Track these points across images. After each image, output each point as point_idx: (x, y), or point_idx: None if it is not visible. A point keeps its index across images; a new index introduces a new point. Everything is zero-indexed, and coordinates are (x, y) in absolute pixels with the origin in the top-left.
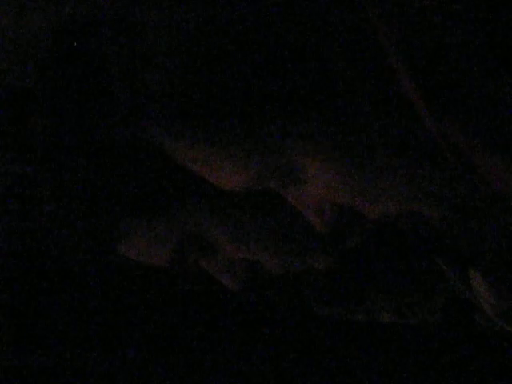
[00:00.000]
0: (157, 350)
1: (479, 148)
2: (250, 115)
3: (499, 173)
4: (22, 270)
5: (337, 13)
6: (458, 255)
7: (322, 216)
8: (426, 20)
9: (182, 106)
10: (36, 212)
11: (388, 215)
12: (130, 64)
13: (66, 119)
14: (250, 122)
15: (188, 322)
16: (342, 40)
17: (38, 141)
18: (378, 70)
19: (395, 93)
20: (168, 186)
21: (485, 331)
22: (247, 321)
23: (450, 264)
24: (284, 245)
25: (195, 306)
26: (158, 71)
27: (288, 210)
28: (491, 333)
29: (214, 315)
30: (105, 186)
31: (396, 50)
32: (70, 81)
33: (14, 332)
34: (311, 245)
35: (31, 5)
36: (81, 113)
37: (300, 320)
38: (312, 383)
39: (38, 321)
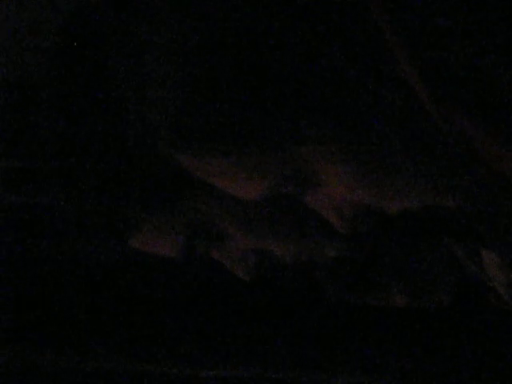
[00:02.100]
0: (166, 341)
1: (483, 135)
2: (261, 125)
3: (503, 159)
4: (31, 265)
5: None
6: (470, 237)
7: (341, 216)
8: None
9: (192, 121)
10: (46, 208)
11: (407, 210)
12: (135, 81)
13: (76, 119)
14: (262, 132)
15: (198, 313)
16: (350, 42)
17: (45, 136)
18: (385, 71)
19: (404, 92)
20: (176, 177)
21: (498, 312)
22: (260, 310)
23: (463, 246)
24: (295, 233)
25: (206, 297)
26: (164, 87)
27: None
28: (505, 313)
29: (226, 305)
30: (114, 180)
31: (398, 41)
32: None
33: (22, 327)
34: (322, 232)
35: None
36: (91, 116)
37: (312, 307)
38: (326, 368)
39: (48, 315)
